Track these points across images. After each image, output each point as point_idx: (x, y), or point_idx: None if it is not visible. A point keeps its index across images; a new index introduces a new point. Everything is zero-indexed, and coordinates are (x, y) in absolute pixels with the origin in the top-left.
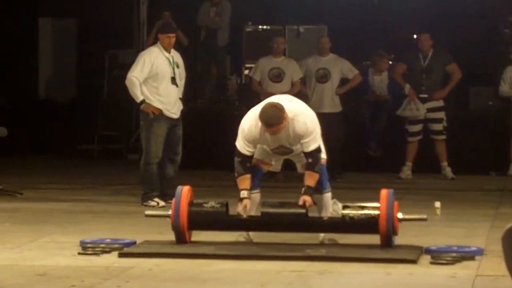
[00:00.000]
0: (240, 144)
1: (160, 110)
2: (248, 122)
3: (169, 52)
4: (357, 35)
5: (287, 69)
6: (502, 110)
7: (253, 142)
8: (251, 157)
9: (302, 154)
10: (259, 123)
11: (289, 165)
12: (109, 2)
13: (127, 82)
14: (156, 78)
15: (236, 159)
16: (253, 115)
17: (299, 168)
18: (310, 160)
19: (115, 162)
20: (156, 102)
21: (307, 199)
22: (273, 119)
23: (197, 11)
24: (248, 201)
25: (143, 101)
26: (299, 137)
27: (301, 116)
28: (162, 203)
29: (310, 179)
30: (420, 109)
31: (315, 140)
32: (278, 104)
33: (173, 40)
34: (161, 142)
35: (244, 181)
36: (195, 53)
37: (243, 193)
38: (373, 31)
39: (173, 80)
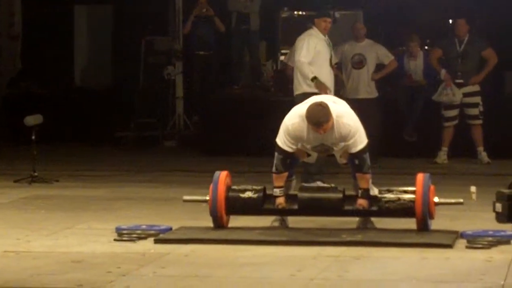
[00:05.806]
0: (283, 141)
1: (329, 90)
2: (292, 120)
3: (324, 36)
4: (392, 20)
5: None
6: None
7: (296, 139)
8: (293, 153)
9: (341, 149)
10: (304, 122)
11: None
12: None
13: (297, 64)
14: (318, 59)
15: (277, 156)
16: (297, 113)
17: (339, 160)
18: (357, 162)
19: (151, 149)
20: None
21: (363, 203)
22: (322, 117)
23: None
24: (283, 198)
25: (314, 78)
26: (343, 139)
27: (345, 117)
28: None
29: (363, 181)
30: (456, 94)
31: (361, 141)
32: (322, 102)
33: (329, 24)
34: None
35: (281, 179)
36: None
37: (276, 191)
38: (409, 16)
39: (330, 62)
